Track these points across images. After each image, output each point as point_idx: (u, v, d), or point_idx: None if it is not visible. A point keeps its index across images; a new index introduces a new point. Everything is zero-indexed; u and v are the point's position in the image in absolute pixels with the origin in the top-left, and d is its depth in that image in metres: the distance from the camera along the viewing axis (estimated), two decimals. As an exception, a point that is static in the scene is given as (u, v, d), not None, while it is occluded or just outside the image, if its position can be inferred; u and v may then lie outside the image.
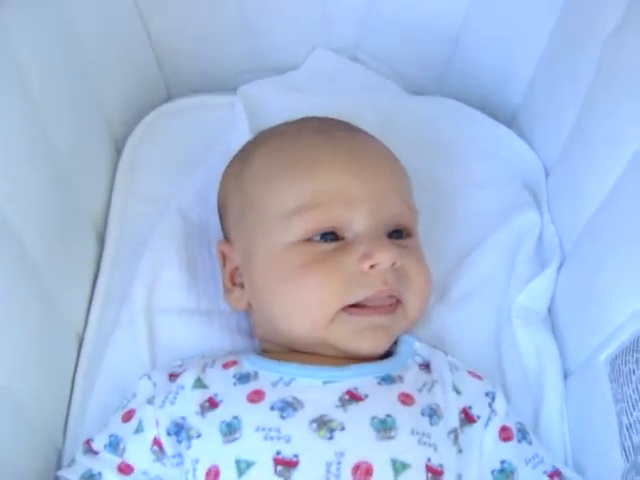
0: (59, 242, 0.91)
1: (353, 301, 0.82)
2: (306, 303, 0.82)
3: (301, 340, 0.84)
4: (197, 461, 0.76)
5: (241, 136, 1.04)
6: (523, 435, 0.84)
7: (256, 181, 0.89)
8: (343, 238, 0.84)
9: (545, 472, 0.82)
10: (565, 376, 0.94)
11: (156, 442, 0.81)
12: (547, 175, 1.08)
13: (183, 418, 0.80)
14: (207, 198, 1.02)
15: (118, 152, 1.12)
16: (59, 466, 0.88)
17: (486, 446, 0.81)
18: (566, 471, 0.83)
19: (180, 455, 0.79)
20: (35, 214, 0.85)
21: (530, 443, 0.84)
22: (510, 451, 0.82)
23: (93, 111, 1.05)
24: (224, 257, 0.92)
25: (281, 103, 1.10)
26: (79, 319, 0.97)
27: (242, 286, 0.90)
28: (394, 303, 0.85)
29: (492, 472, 0.81)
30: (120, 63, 1.10)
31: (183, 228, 1.01)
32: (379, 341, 0.84)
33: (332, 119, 0.95)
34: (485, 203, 1.06)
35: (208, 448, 0.77)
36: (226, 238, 0.94)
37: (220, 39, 1.15)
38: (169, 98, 1.19)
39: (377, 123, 1.09)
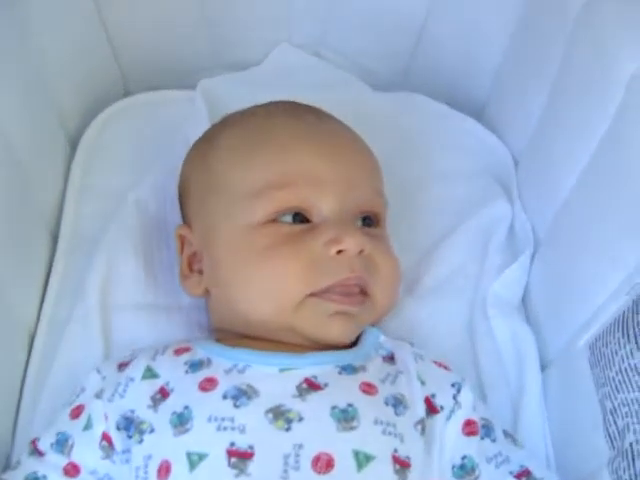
0: (9, 239, 0.87)
1: (319, 288, 0.78)
2: (271, 287, 0.78)
3: (264, 325, 0.80)
4: (150, 457, 0.72)
5: (200, 129, 0.99)
6: (487, 432, 0.79)
7: (223, 160, 0.85)
8: (310, 221, 0.81)
9: (511, 472, 0.77)
10: (543, 367, 0.91)
11: (105, 437, 0.76)
12: (516, 164, 1.06)
13: (132, 411, 0.75)
14: (165, 191, 0.99)
15: (73, 149, 1.08)
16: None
17: (448, 440, 0.77)
18: (538, 471, 0.78)
19: (130, 451, 0.74)
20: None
21: (494, 441, 0.79)
22: (472, 447, 0.78)
23: (47, 107, 1.01)
24: (182, 242, 0.88)
25: (243, 98, 1.05)
26: (31, 316, 0.93)
27: (200, 272, 0.86)
28: (360, 293, 0.81)
29: (452, 467, 0.77)
30: (75, 58, 1.06)
31: (140, 222, 0.97)
32: (347, 328, 0.80)
33: (302, 103, 0.92)
34: (454, 195, 1.04)
35: (160, 442, 0.72)
36: (186, 223, 0.90)
37: (179, 34, 1.12)
38: (126, 95, 1.15)
39: (341, 118, 1.06)
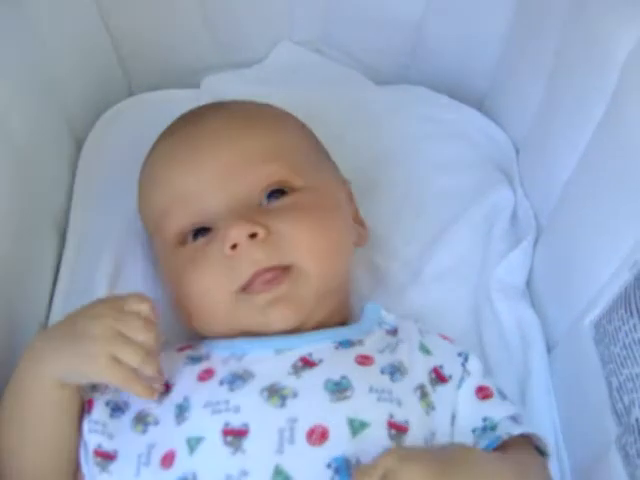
0: (18, 237, 0.88)
1: (239, 284, 0.79)
2: (197, 302, 0.81)
3: (221, 333, 0.82)
4: (153, 445, 0.73)
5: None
6: (503, 397, 0.80)
7: (139, 193, 0.92)
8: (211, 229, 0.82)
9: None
10: (549, 348, 0.92)
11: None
12: (517, 152, 1.07)
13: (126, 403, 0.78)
14: None
15: (79, 148, 1.09)
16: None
17: (462, 407, 0.78)
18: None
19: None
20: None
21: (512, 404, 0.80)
22: (491, 409, 0.78)
23: (52, 108, 1.02)
24: None
25: (246, 96, 1.06)
26: (41, 315, 0.93)
27: None
28: (280, 272, 0.79)
29: (473, 431, 0.76)
30: (80, 59, 1.07)
31: None
32: (287, 312, 0.79)
33: (204, 106, 0.94)
34: (456, 184, 1.04)
35: (164, 433, 0.74)
36: None
37: (181, 34, 1.13)
38: (131, 94, 1.16)
39: (343, 113, 1.10)
